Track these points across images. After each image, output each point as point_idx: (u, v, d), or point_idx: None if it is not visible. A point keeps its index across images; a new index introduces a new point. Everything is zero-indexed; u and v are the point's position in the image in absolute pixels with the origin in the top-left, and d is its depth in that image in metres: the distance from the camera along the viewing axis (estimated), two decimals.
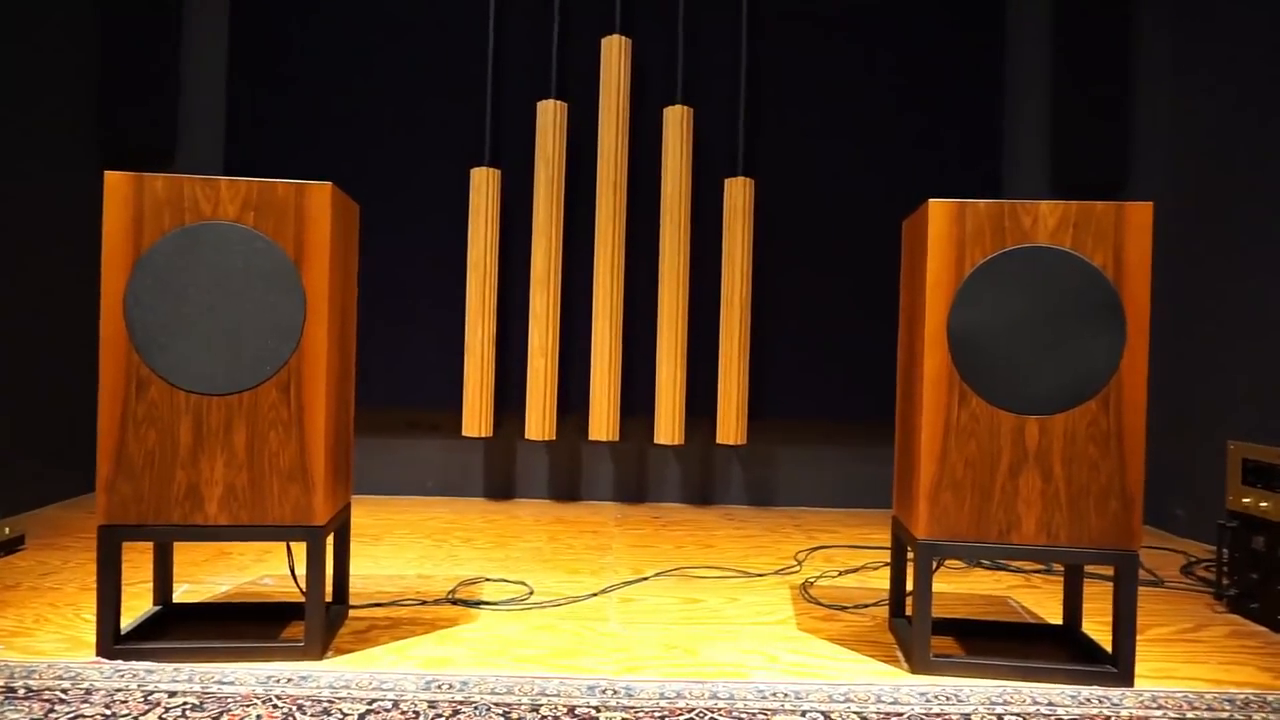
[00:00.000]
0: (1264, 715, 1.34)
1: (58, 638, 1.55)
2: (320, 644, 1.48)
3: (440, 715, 1.26)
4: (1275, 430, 2.29)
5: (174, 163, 3.04)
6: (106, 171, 1.43)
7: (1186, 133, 2.83)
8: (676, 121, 2.95)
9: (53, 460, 2.73)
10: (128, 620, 1.57)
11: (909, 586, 1.60)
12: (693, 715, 1.28)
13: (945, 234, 1.47)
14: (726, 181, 2.98)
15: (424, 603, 1.82)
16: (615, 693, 1.36)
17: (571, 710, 1.29)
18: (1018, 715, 1.32)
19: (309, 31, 3.01)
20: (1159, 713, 1.34)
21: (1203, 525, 2.57)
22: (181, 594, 1.82)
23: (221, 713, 1.25)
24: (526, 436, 2.96)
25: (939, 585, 1.99)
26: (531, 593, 1.92)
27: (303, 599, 1.48)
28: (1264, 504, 1.84)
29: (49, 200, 2.72)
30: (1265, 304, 2.43)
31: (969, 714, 1.31)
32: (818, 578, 2.12)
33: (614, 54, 2.95)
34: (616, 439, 2.98)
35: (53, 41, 2.75)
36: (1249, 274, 2.51)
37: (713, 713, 1.29)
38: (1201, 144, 2.76)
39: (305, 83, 3.01)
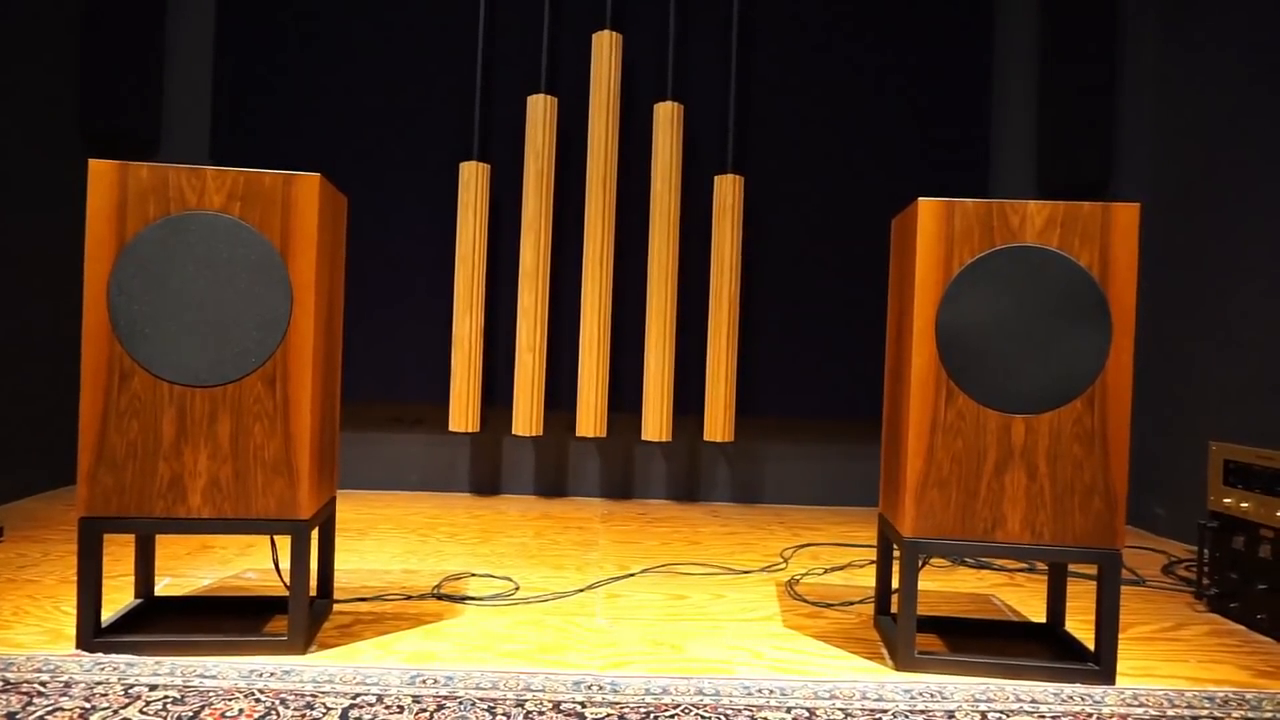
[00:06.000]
0: (1243, 713, 1.35)
1: (37, 630, 1.54)
2: (304, 638, 1.47)
3: (425, 710, 1.25)
4: (1256, 431, 2.32)
5: (159, 152, 3.01)
6: (91, 160, 1.41)
7: (1170, 134, 2.85)
8: (667, 118, 2.95)
9: (32, 451, 2.70)
10: (108, 613, 1.55)
11: (894, 584, 1.61)
12: (678, 711, 1.28)
13: (934, 233, 1.48)
14: (716, 178, 2.98)
15: (409, 597, 1.81)
16: (601, 688, 1.35)
17: (557, 705, 1.29)
18: (1001, 712, 1.32)
19: (297, 21, 2.99)
20: (1140, 710, 1.35)
21: (1183, 525, 2.60)
22: (163, 587, 1.80)
23: (203, 706, 1.24)
24: (513, 432, 2.95)
25: (924, 583, 2.00)
26: (517, 588, 1.92)
27: (286, 593, 1.47)
28: (1245, 505, 1.86)
29: (29, 190, 2.68)
30: (1247, 305, 2.46)
31: (953, 711, 1.32)
32: (803, 575, 2.13)
33: (605, 49, 2.94)
34: (604, 435, 2.97)
35: (34, 28, 2.71)
36: (1231, 275, 2.53)
37: (698, 709, 1.29)
38: (1184, 145, 2.78)
39: (293, 73, 2.98)
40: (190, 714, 1.22)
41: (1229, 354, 2.52)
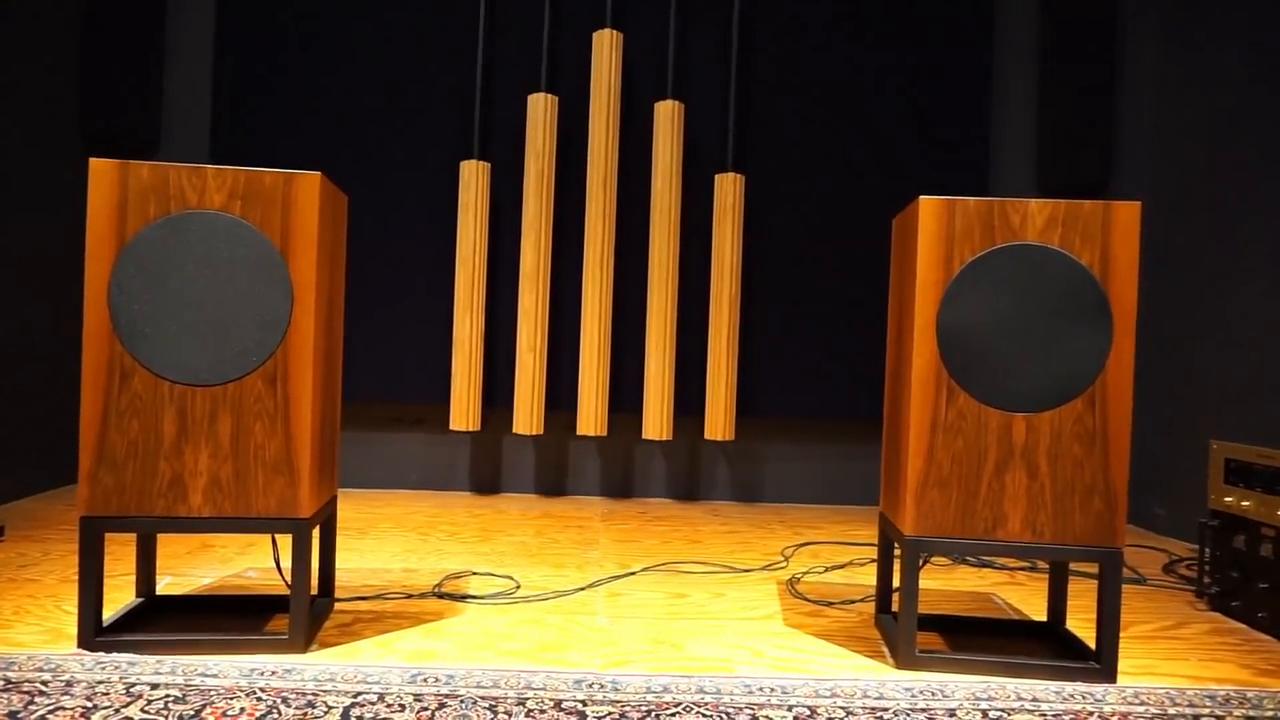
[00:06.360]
0: (1244, 711, 1.35)
1: (38, 629, 1.54)
2: (305, 637, 1.47)
3: (426, 709, 1.25)
4: (1256, 431, 2.32)
5: (158, 152, 3.01)
6: (91, 159, 1.41)
7: (1170, 134, 2.85)
8: (667, 117, 2.95)
9: (32, 451, 2.70)
10: (109, 612, 1.55)
11: (895, 582, 1.61)
12: (679, 709, 1.28)
13: (935, 232, 1.48)
14: (717, 177, 2.98)
15: (409, 596, 1.81)
16: (602, 686, 1.35)
17: (558, 704, 1.29)
18: (1002, 711, 1.32)
19: (297, 21, 2.98)
20: (1141, 709, 1.35)
21: (1183, 524, 2.60)
22: (164, 586, 1.80)
23: (204, 705, 1.24)
24: (514, 431, 2.95)
25: (924, 582, 2.00)
26: (518, 587, 1.92)
27: (287, 592, 1.47)
28: (1245, 503, 1.86)
29: (29, 190, 2.68)
30: (1247, 305, 2.46)
31: (954, 709, 1.32)
32: (804, 574, 2.13)
33: (605, 48, 2.94)
34: (604, 434, 2.97)
35: (34, 28, 2.71)
36: (1231, 275, 2.53)
37: (699, 707, 1.29)
38: (1184, 145, 2.78)
39: (293, 73, 2.98)
40: (192, 713, 1.22)
41: (1229, 354, 2.52)
